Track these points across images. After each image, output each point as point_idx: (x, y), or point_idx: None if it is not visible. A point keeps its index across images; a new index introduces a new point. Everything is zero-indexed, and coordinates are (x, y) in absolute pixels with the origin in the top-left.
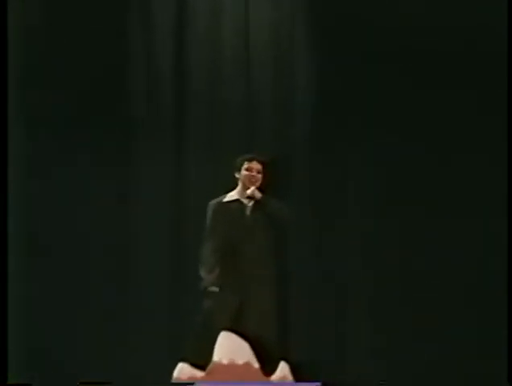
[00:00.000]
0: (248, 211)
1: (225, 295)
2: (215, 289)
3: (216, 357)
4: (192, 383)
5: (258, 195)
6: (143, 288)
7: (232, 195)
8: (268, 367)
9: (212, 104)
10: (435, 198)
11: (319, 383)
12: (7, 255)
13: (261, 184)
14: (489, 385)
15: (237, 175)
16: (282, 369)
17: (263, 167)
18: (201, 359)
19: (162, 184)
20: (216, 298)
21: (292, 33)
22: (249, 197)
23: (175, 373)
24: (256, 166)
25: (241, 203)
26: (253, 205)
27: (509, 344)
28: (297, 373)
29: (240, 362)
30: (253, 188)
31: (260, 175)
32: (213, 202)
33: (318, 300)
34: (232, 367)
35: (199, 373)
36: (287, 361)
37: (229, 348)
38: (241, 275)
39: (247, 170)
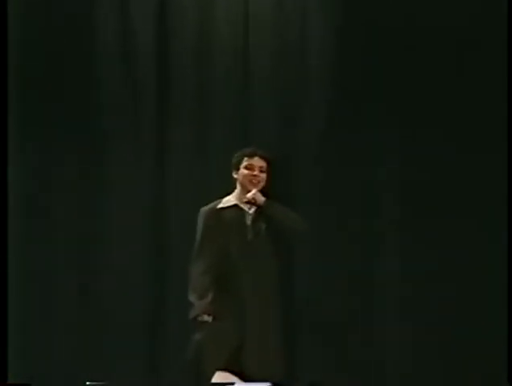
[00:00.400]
0: (249, 220)
1: (220, 326)
2: (208, 318)
3: None
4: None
5: (261, 199)
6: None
7: (228, 200)
8: None
9: (201, 91)
10: (441, 198)
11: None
12: (7, 256)
13: (265, 186)
14: (489, 385)
15: (234, 175)
16: None
17: (268, 165)
18: None
19: (140, 189)
20: (209, 330)
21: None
22: (250, 202)
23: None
24: (258, 163)
25: (241, 209)
26: (256, 212)
27: (510, 344)
28: None
29: None
30: (254, 191)
31: (264, 175)
32: (205, 209)
33: (333, 333)
34: None
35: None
36: None
37: None
38: (240, 301)
39: (247, 168)
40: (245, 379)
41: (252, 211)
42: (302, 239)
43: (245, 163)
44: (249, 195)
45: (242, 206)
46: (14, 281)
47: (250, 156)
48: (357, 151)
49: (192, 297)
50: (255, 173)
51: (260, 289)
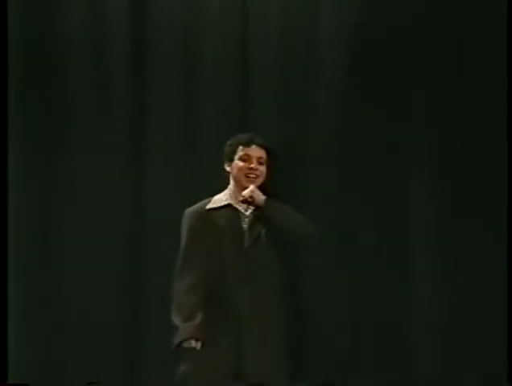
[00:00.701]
0: (245, 224)
1: (211, 354)
2: (195, 344)
3: None
4: None
5: (261, 198)
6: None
7: (220, 199)
8: None
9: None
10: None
11: None
12: (7, 257)
13: (264, 181)
14: (489, 385)
15: (227, 168)
16: None
17: (268, 155)
18: None
19: (118, 187)
20: (197, 359)
21: None
22: (247, 201)
23: None
24: (256, 153)
25: (235, 210)
26: (254, 214)
27: (510, 344)
28: None
29: None
30: (252, 187)
31: (263, 168)
32: (191, 210)
33: (347, 355)
34: None
35: None
36: None
37: None
38: (235, 322)
39: (243, 159)
40: None
41: (249, 212)
42: (306, 246)
43: (240, 153)
44: (245, 192)
45: (237, 206)
46: (14, 281)
47: (246, 144)
48: (364, 151)
49: (176, 319)
50: (252, 165)
51: (259, 306)
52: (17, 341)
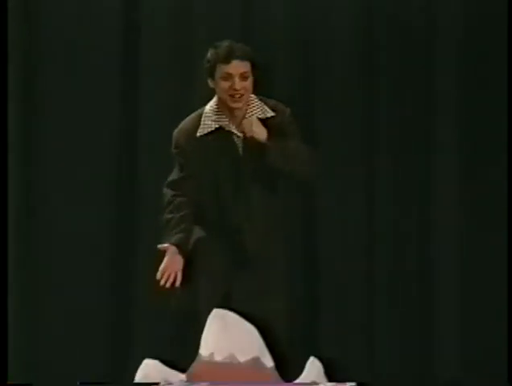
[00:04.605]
0: (240, 149)
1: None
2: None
3: (204, 350)
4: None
5: (263, 135)
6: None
7: (208, 123)
8: (289, 367)
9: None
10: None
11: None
12: (7, 257)
13: (253, 91)
14: (489, 385)
15: (210, 84)
16: (313, 370)
17: (252, 66)
18: (180, 354)
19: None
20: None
21: None
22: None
23: (138, 376)
24: (238, 69)
25: (227, 133)
26: (247, 138)
27: (510, 344)
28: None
29: (243, 358)
30: (251, 128)
31: (247, 83)
32: (180, 134)
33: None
34: (230, 366)
35: (175, 375)
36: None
37: (226, 336)
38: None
39: (224, 78)
40: (249, 318)
41: (242, 133)
42: (310, 176)
43: (220, 72)
44: (246, 133)
45: (230, 128)
46: (14, 281)
47: (226, 61)
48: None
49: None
50: (236, 86)
51: (258, 233)
52: (17, 341)
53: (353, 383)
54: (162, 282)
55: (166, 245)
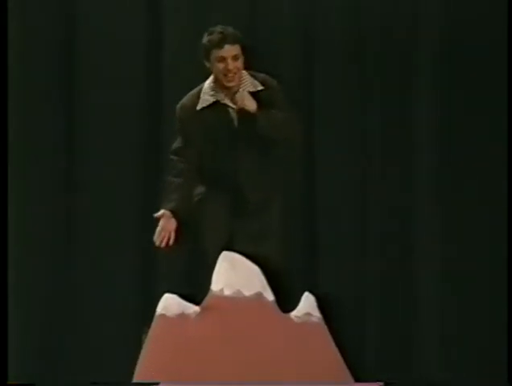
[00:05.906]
0: (235, 120)
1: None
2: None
3: (214, 286)
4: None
5: (253, 106)
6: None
7: (206, 98)
8: (287, 301)
9: None
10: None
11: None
12: (7, 257)
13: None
14: (489, 385)
15: (206, 64)
16: (307, 303)
17: (242, 48)
18: (195, 289)
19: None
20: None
21: None
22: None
23: (159, 308)
24: (230, 52)
25: (223, 106)
26: (241, 111)
27: (510, 344)
28: (324, 309)
29: (248, 293)
30: (243, 98)
31: (238, 63)
32: (183, 108)
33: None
34: (237, 299)
35: (191, 308)
36: (313, 294)
37: (233, 274)
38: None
39: (218, 60)
40: (253, 259)
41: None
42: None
43: (215, 55)
44: (239, 105)
45: (225, 101)
46: (14, 281)
47: (219, 46)
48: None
49: (164, 204)
50: (230, 67)
51: (257, 193)
52: (17, 341)
53: (381, 383)
54: (157, 243)
55: (161, 212)
